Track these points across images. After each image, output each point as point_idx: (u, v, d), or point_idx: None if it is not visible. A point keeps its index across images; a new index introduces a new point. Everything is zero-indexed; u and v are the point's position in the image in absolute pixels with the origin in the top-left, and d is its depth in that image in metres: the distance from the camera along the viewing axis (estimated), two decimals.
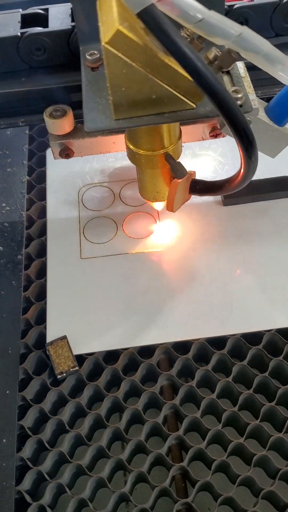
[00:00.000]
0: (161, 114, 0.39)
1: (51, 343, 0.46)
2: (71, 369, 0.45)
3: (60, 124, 0.45)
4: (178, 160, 0.45)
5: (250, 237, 0.53)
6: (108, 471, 0.42)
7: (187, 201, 0.49)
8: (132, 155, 0.45)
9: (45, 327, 0.48)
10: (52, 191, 0.58)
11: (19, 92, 0.57)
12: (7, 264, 0.52)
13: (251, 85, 0.42)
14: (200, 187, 0.47)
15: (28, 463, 0.42)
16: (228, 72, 0.41)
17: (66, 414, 0.44)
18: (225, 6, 0.53)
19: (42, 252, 0.54)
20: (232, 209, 0.55)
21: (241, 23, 0.48)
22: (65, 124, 0.45)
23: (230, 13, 0.54)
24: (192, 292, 0.49)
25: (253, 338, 0.46)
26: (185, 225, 0.54)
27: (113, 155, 0.60)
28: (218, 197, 0.56)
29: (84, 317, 0.49)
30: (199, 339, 0.46)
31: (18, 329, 0.48)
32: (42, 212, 0.56)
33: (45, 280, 0.51)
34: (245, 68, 0.42)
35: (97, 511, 0.40)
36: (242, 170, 0.40)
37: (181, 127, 0.45)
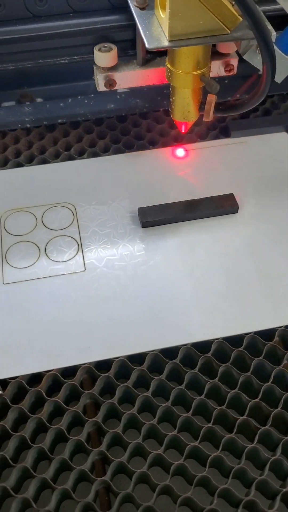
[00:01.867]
0: (206, 37, 0.49)
1: None
2: None
3: (106, 58, 0.56)
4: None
5: (167, 257, 0.56)
6: (33, 490, 0.43)
7: (211, 120, 0.56)
8: (172, 77, 0.53)
9: None
10: None
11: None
12: None
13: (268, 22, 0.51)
14: (224, 107, 0.55)
15: None
16: None
17: None
18: None
19: None
20: (149, 230, 0.58)
21: None
22: (111, 58, 0.56)
23: None
24: (114, 312, 0.52)
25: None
26: (107, 247, 0.57)
27: (35, 182, 0.62)
28: (136, 220, 0.59)
29: (7, 342, 0.50)
30: (119, 357, 0.49)
31: None
32: None
33: None
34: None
35: None
36: (262, 86, 0.49)
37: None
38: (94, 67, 0.58)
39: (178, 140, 0.67)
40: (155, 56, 0.59)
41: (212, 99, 0.53)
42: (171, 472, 0.43)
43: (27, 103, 0.66)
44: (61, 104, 0.67)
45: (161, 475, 0.45)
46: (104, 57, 0.56)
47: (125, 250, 0.57)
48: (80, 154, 0.66)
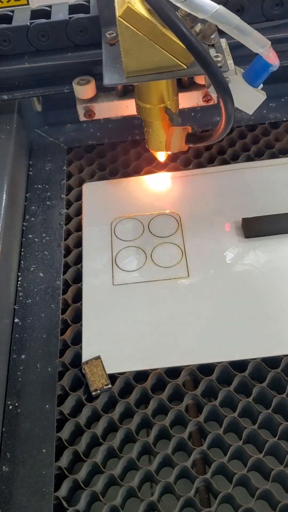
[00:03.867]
0: (161, 73, 0.50)
1: (87, 362, 0.51)
2: (104, 387, 0.49)
3: (85, 90, 0.57)
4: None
5: (269, 267, 0.57)
6: (138, 481, 0.46)
7: (183, 150, 0.58)
8: (140, 110, 0.56)
9: (80, 348, 0.52)
10: (87, 222, 0.63)
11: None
12: (47, 289, 0.57)
13: (230, 54, 0.52)
14: (193, 138, 0.56)
15: (65, 472, 0.46)
16: (213, 45, 0.52)
17: (99, 428, 0.48)
18: None
19: (78, 278, 0.59)
20: (253, 241, 0.59)
21: (238, 10, 0.62)
22: (89, 90, 0.57)
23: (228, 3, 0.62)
24: (216, 318, 0.53)
25: (272, 362, 0.50)
26: (210, 256, 0.59)
27: (142, 191, 0.66)
28: (240, 231, 0.60)
29: (116, 339, 0.53)
30: (222, 362, 0.50)
31: (56, 349, 0.52)
32: (78, 242, 0.62)
33: (81, 304, 0.56)
34: (227, 43, 0.53)
35: None
36: (223, 120, 0.49)
37: (179, 94, 0.56)
38: (76, 98, 0.59)
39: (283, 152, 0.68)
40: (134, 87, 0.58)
41: (172, 131, 0.55)
42: (271, 478, 0.44)
43: None
44: None
45: (259, 480, 0.46)
46: (82, 89, 0.57)
47: (228, 259, 0.58)
48: (186, 165, 0.69)
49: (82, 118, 0.59)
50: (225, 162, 0.68)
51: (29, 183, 0.67)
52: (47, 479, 0.45)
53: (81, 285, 0.58)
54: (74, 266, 0.60)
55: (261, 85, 0.53)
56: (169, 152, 0.59)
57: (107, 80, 0.52)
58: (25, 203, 0.65)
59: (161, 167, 0.69)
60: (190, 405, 0.49)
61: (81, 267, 0.59)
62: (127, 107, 0.59)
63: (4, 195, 0.58)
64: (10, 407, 0.49)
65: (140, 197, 0.66)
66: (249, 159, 0.68)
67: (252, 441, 0.48)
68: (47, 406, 0.49)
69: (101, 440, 0.47)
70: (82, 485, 0.45)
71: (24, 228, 0.62)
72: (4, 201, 0.58)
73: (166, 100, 0.54)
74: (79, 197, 0.66)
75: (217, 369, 0.50)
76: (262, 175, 0.66)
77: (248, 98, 0.53)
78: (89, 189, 0.67)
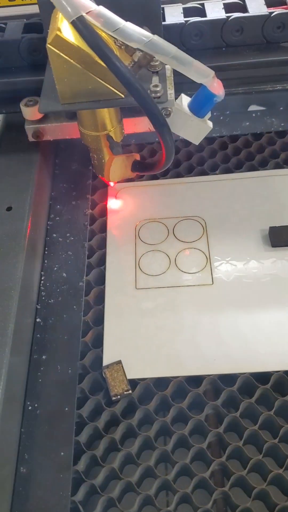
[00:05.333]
0: (97, 101, 0.49)
1: (107, 366, 0.50)
2: (125, 392, 0.49)
3: (32, 111, 0.56)
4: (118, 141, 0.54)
5: None
6: (155, 490, 0.45)
7: (129, 177, 0.59)
8: (82, 136, 0.54)
9: (101, 351, 0.52)
10: (112, 224, 0.63)
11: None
12: (69, 289, 0.57)
13: (172, 82, 0.52)
14: (139, 166, 0.57)
15: (82, 476, 0.46)
16: (157, 72, 0.52)
17: (118, 433, 0.48)
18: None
19: (101, 280, 0.58)
20: (280, 250, 0.58)
21: (237, 31, 0.62)
22: (37, 112, 0.55)
23: (227, 23, 0.62)
24: (239, 328, 0.53)
25: None
26: (235, 263, 0.58)
27: (168, 195, 0.65)
28: (267, 239, 0.59)
29: (137, 343, 0.53)
30: (245, 373, 0.50)
31: (77, 351, 0.52)
32: (102, 243, 0.61)
33: (103, 307, 0.56)
34: (172, 70, 0.52)
35: None
36: (163, 154, 0.48)
37: (132, 119, 0.55)
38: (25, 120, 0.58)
39: None
40: None
41: (111, 161, 0.54)
42: None
43: None
44: None
45: (278, 494, 0.45)
46: (30, 111, 0.56)
47: (253, 267, 0.58)
48: (213, 170, 0.68)
49: (30, 139, 0.58)
50: (253, 168, 0.68)
51: (54, 182, 0.67)
52: (64, 483, 0.45)
53: (104, 287, 0.57)
54: (97, 267, 0.59)
55: (209, 114, 0.51)
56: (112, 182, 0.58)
57: (42, 107, 0.51)
58: (50, 202, 0.65)
59: (187, 171, 0.68)
60: (211, 415, 0.49)
61: (104, 269, 0.59)
62: (76, 129, 0.56)
63: (30, 194, 0.58)
64: (30, 407, 0.49)
65: (166, 201, 0.65)
66: (278, 166, 0.67)
67: (272, 455, 0.47)
68: (66, 409, 0.48)
69: (119, 446, 0.47)
70: (99, 490, 0.45)
71: (48, 227, 0.62)
72: (29, 199, 0.58)
73: (109, 128, 0.52)
74: (104, 198, 0.65)
75: (239, 380, 0.49)
76: None
77: (193, 129, 0.51)
78: (114, 191, 0.66)
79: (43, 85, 0.53)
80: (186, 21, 0.62)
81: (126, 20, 0.42)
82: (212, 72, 0.45)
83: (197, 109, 0.50)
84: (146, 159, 0.69)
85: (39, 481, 0.45)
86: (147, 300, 0.56)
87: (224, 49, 0.64)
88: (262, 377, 0.49)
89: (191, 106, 0.50)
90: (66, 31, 0.45)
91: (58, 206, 0.64)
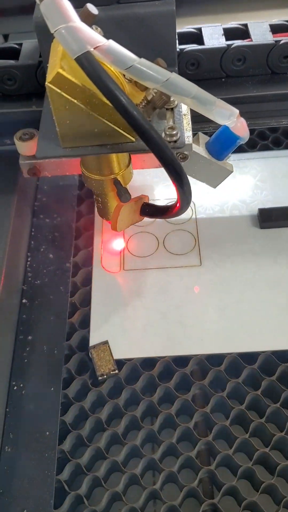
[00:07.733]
0: (104, 146, 0.43)
1: (94, 346, 0.50)
2: (111, 372, 0.48)
3: (27, 146, 0.48)
4: (125, 186, 0.48)
5: (284, 259, 0.56)
6: (141, 469, 0.45)
7: (138, 221, 0.53)
8: (85, 179, 0.48)
9: (88, 331, 0.52)
10: None
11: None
12: (56, 270, 0.56)
13: (190, 122, 0.45)
14: (149, 210, 0.51)
15: (68, 455, 0.45)
16: (172, 110, 0.45)
17: (104, 413, 0.47)
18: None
19: (88, 261, 0.58)
20: (268, 231, 0.58)
21: (239, 60, 0.54)
22: (32, 146, 0.47)
23: (228, 52, 0.56)
24: (226, 308, 0.53)
25: (282, 355, 0.49)
26: (223, 245, 0.58)
27: (156, 177, 0.64)
28: (256, 221, 0.59)
29: (125, 324, 0.52)
30: (232, 353, 0.49)
31: (63, 331, 0.52)
32: (90, 224, 0.61)
33: (90, 288, 0.55)
34: (188, 107, 0.46)
35: (129, 505, 0.43)
36: (178, 202, 0.43)
37: (141, 155, 0.48)
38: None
39: None
40: None
41: (119, 209, 0.48)
42: (277, 472, 0.44)
43: None
44: None
45: (264, 473, 0.45)
46: (25, 145, 0.47)
47: (242, 248, 0.57)
48: None
49: (26, 175, 0.50)
50: (243, 151, 0.67)
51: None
52: (49, 462, 0.44)
53: (91, 268, 0.57)
54: (84, 249, 0.59)
55: (229, 156, 0.45)
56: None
57: (40, 152, 0.45)
58: (37, 183, 0.64)
59: None
60: (197, 395, 0.49)
61: (92, 250, 0.58)
62: (77, 166, 0.49)
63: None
64: (15, 387, 0.48)
65: (154, 182, 0.64)
66: (267, 148, 0.67)
67: (258, 434, 0.47)
68: (52, 389, 0.48)
69: (105, 426, 0.47)
70: (85, 470, 0.45)
71: (35, 208, 0.61)
72: (15, 180, 0.57)
73: (116, 171, 0.46)
74: None
75: (226, 360, 0.49)
76: (281, 166, 0.64)
77: (212, 173, 0.46)
78: None
79: (40, 123, 0.47)
80: (182, 49, 0.55)
81: (138, 50, 0.37)
82: (237, 112, 0.40)
83: (217, 151, 0.45)
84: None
85: (24, 460, 0.44)
86: (135, 281, 0.56)
87: (223, 79, 0.58)
88: (250, 357, 0.49)
89: (210, 148, 0.45)
90: (68, 67, 0.39)
91: (45, 187, 0.63)
